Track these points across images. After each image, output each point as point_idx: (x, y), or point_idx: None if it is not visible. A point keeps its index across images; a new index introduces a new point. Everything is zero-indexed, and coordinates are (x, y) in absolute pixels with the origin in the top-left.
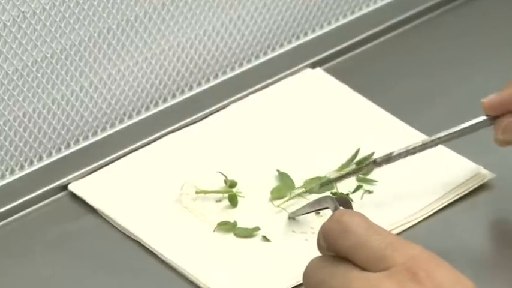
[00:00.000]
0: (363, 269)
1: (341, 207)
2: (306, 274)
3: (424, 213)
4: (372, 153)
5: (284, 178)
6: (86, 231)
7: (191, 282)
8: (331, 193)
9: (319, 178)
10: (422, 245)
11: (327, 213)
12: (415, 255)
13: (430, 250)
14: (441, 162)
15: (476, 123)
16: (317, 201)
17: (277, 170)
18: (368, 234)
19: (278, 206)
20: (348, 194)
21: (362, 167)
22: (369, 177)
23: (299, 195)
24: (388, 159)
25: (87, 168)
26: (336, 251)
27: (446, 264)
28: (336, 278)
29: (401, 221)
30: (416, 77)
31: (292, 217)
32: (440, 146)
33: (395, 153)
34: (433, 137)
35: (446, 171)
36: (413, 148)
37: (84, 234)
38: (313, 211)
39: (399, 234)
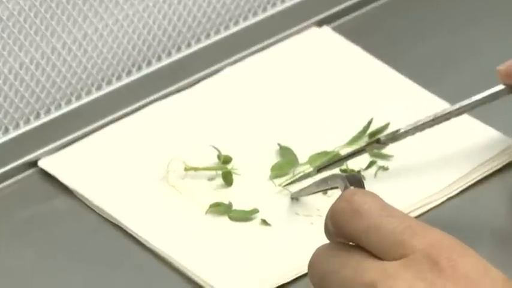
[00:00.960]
0: (377, 256)
1: (352, 187)
2: (311, 264)
3: (447, 193)
4: (387, 124)
5: (286, 153)
6: (58, 214)
7: (180, 272)
8: (340, 170)
9: (326, 153)
10: (444, 230)
11: (335, 194)
12: (436, 241)
13: (453, 235)
14: (467, 134)
15: (494, 93)
16: (324, 180)
17: (279, 144)
18: (382, 216)
19: (280, 186)
20: (359, 171)
21: (367, 145)
22: (384, 151)
23: (304, 173)
24: (394, 137)
25: (59, 142)
26: (346, 235)
27: (472, 252)
28: (347, 268)
29: (421, 202)
30: (437, 36)
31: (295, 198)
32: (465, 115)
33: (402, 130)
34: (446, 110)
35: (473, 144)
36: (423, 124)
37: (57, 218)
38: (319, 191)
39: (418, 217)
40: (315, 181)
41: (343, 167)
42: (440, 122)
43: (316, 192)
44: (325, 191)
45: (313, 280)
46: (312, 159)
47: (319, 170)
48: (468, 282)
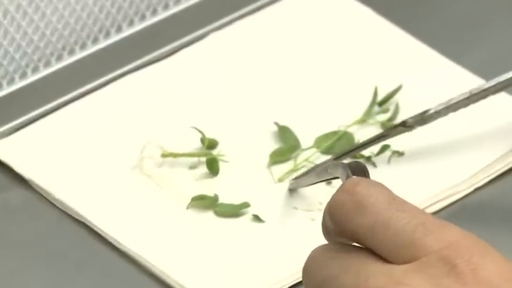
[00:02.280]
0: (384, 258)
1: (354, 177)
2: (307, 269)
3: (474, 182)
4: (399, 87)
5: (286, 135)
6: (12, 209)
7: (154, 277)
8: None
9: (335, 133)
10: (471, 226)
11: (339, 184)
12: (453, 240)
13: (482, 233)
14: (498, 112)
15: None
16: (324, 169)
17: (276, 124)
18: (391, 211)
19: (280, 180)
20: (370, 157)
21: (389, 129)
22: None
23: (308, 160)
24: (423, 119)
25: (12, 124)
26: (348, 233)
27: (496, 254)
28: (348, 273)
29: (443, 194)
30: None
31: (293, 189)
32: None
33: (432, 111)
34: (482, 87)
35: (505, 124)
36: (456, 103)
37: (11, 214)
38: (320, 181)
39: (440, 211)
40: (314, 170)
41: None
42: (476, 100)
43: (316, 183)
44: (328, 181)
45: (309, 287)
46: (318, 142)
47: (336, 160)
48: (491, 287)
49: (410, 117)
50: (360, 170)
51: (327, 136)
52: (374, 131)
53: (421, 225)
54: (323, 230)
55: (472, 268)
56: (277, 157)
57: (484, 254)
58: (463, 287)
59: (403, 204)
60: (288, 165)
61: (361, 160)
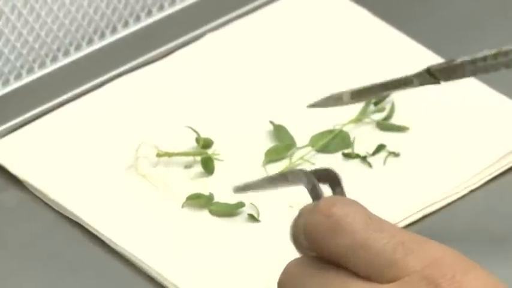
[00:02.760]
0: (365, 277)
1: (320, 188)
2: (283, 285)
3: (469, 185)
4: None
5: (281, 134)
6: (8, 210)
7: (149, 277)
8: (343, 154)
9: (330, 132)
10: (466, 229)
11: None
12: (436, 258)
13: (477, 234)
14: (495, 116)
15: None
16: (283, 175)
17: (271, 122)
18: (369, 231)
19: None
20: (365, 157)
21: (416, 75)
22: (396, 132)
23: (303, 158)
24: (449, 68)
25: (8, 125)
26: (325, 253)
27: (478, 269)
28: None
29: (439, 196)
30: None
31: (237, 192)
32: (494, 93)
33: (458, 61)
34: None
35: (502, 127)
36: (483, 58)
37: (6, 215)
38: (272, 188)
39: (435, 212)
40: (269, 175)
41: (349, 151)
42: (503, 64)
43: (267, 189)
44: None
45: None
46: (313, 141)
47: (353, 96)
48: None
49: (435, 65)
50: (328, 177)
51: (322, 135)
52: (370, 130)
53: (400, 245)
54: (293, 241)
55: (456, 287)
56: (273, 155)
57: (466, 271)
58: None
59: (380, 223)
60: (283, 164)
61: (357, 160)
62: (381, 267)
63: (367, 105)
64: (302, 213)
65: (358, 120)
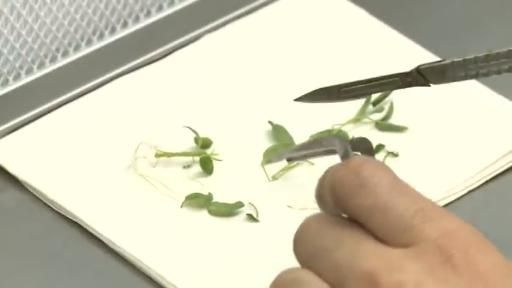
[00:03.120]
0: (381, 240)
1: (354, 153)
2: (299, 237)
3: (468, 185)
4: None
5: (280, 134)
6: (7, 210)
7: (149, 278)
8: None
9: (328, 132)
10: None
11: None
12: (452, 230)
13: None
14: (494, 117)
15: None
16: (317, 141)
17: (270, 122)
18: (392, 194)
19: (274, 178)
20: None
21: (401, 74)
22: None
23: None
24: (438, 68)
25: (7, 125)
26: (347, 210)
27: (492, 248)
28: (344, 248)
29: (437, 196)
30: (455, 0)
31: (274, 160)
32: (492, 94)
33: (448, 61)
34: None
35: (501, 128)
36: (474, 59)
37: (5, 215)
38: (311, 155)
39: None
40: (303, 143)
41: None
42: (495, 67)
43: (308, 157)
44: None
45: (301, 258)
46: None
47: (340, 92)
48: (485, 282)
49: (425, 64)
50: (362, 147)
51: (321, 134)
52: (368, 130)
53: (420, 211)
54: (318, 199)
55: (468, 260)
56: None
57: (481, 247)
58: (458, 278)
59: (405, 188)
60: (281, 163)
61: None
62: (398, 231)
63: (365, 105)
64: (329, 170)
65: (357, 120)
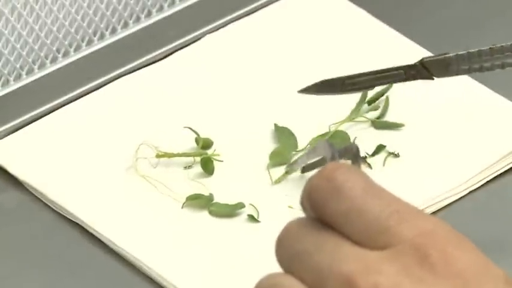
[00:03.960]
0: (357, 243)
1: (339, 159)
2: (280, 241)
3: (470, 185)
4: (388, 87)
5: (285, 136)
6: (7, 211)
7: (150, 279)
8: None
9: (328, 133)
10: (465, 228)
11: None
12: (428, 230)
13: (476, 234)
14: (496, 117)
15: None
16: (313, 150)
17: (275, 125)
18: (367, 197)
19: (277, 181)
20: (365, 158)
21: (408, 67)
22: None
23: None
24: (444, 61)
25: (7, 126)
26: (323, 217)
27: (470, 245)
28: (323, 252)
29: (439, 197)
30: (456, 1)
31: (289, 172)
32: (493, 94)
33: (452, 54)
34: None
35: (503, 128)
36: (478, 54)
37: (6, 216)
38: (311, 163)
39: (433, 214)
40: (304, 153)
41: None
42: (498, 65)
43: (308, 165)
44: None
45: (282, 261)
46: (313, 142)
47: (345, 84)
48: (464, 281)
49: (428, 57)
50: (349, 152)
51: (322, 137)
52: (365, 128)
53: (395, 213)
54: (300, 205)
55: (446, 259)
56: (277, 158)
57: (458, 244)
58: (436, 278)
59: (379, 192)
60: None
61: None
62: (374, 234)
63: (360, 104)
64: (309, 178)
65: (352, 119)
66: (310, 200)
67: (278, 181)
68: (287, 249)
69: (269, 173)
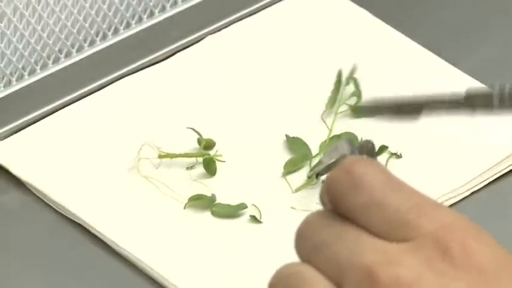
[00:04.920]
0: (377, 236)
1: (358, 155)
2: (300, 234)
3: (471, 186)
4: (355, 67)
5: (297, 145)
6: (10, 211)
7: (152, 280)
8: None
9: (337, 137)
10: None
11: None
12: (448, 222)
13: None
14: (496, 118)
15: None
16: (334, 149)
17: (287, 136)
18: (386, 190)
19: (296, 190)
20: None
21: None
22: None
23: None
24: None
25: (10, 126)
26: (343, 211)
27: (490, 239)
28: (343, 243)
29: (441, 198)
30: (459, 2)
31: (312, 176)
32: None
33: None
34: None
35: (503, 129)
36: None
37: (8, 217)
38: (327, 166)
39: None
40: (326, 153)
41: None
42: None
43: (331, 165)
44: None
45: (301, 252)
46: (324, 148)
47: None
48: (484, 272)
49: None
50: (365, 149)
51: (331, 140)
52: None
53: (415, 206)
54: (320, 200)
55: (466, 252)
56: (291, 167)
57: (478, 237)
58: (456, 271)
59: (399, 185)
60: (299, 174)
61: None
62: (394, 227)
63: (336, 92)
64: (330, 172)
65: (330, 107)
66: (329, 192)
67: (299, 189)
68: (306, 240)
69: (287, 181)
